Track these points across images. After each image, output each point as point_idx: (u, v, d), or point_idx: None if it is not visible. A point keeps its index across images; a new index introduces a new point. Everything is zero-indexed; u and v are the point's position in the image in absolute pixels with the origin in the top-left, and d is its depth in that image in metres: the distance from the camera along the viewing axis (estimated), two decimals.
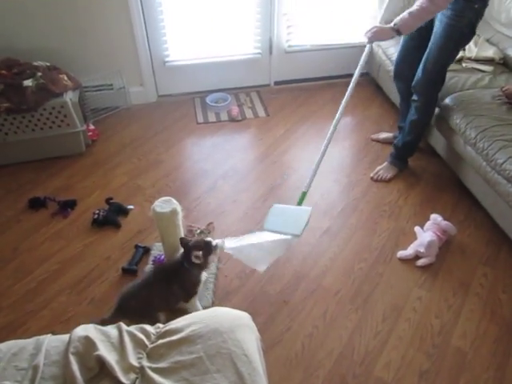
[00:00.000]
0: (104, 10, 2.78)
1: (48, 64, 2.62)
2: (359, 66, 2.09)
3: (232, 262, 2.04)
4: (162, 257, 1.96)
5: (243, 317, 1.27)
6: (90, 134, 2.78)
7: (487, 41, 2.76)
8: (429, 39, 2.16)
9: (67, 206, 2.32)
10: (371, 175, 2.57)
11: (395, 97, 3.01)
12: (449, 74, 2.50)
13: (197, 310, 1.74)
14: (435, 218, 2.15)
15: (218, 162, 2.69)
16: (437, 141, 2.56)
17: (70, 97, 2.56)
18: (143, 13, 2.87)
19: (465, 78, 2.51)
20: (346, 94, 2.07)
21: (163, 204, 1.71)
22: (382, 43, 3.00)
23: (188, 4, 2.92)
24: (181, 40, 3.08)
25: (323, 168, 2.60)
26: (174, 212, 1.70)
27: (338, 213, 2.33)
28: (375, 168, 2.59)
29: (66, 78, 2.60)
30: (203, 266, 1.69)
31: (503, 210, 2.06)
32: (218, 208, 2.35)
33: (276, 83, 3.45)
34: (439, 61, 2.18)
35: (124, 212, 2.31)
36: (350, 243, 2.16)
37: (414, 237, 2.15)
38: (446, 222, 2.12)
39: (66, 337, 1.19)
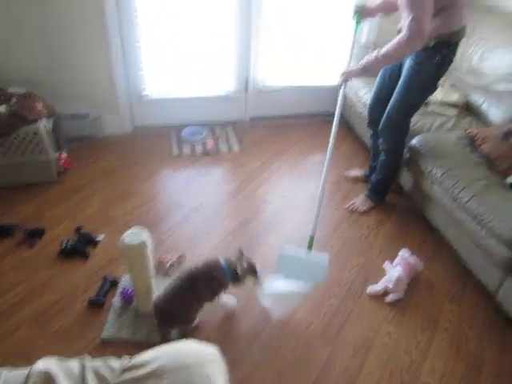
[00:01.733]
0: (84, 40, 2.81)
1: (24, 91, 2.62)
2: (338, 109, 2.16)
3: None
4: (130, 289, 1.92)
5: (212, 352, 1.25)
6: (63, 162, 2.75)
7: (452, 86, 2.92)
8: (395, 87, 2.27)
9: (35, 234, 2.26)
10: (347, 206, 2.64)
11: (366, 136, 3.12)
12: (416, 117, 2.63)
13: (223, 303, 1.89)
14: (403, 253, 2.20)
15: (192, 194, 2.69)
16: (405, 179, 2.65)
17: (44, 124, 2.54)
18: (122, 46, 2.92)
19: (431, 121, 2.64)
20: (332, 137, 2.14)
21: (133, 235, 1.69)
22: (354, 85, 3.13)
23: (167, 40, 2.99)
24: (158, 74, 3.13)
25: (295, 202, 2.67)
26: (143, 244, 1.68)
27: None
28: (346, 203, 2.65)
29: (41, 105, 2.59)
30: (240, 282, 1.77)
31: (468, 246, 2.13)
32: (189, 240, 2.34)
33: (251, 119, 3.53)
34: (402, 110, 2.29)
35: (93, 242, 2.26)
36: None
37: (383, 272, 2.18)
38: (413, 258, 2.17)
39: (25, 371, 1.14)
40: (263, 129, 3.44)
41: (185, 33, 2.99)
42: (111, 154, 3.02)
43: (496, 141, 2.26)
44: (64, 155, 2.79)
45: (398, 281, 2.06)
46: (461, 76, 2.95)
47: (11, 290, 1.99)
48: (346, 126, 3.44)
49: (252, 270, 1.77)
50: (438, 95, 2.80)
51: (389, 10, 2.27)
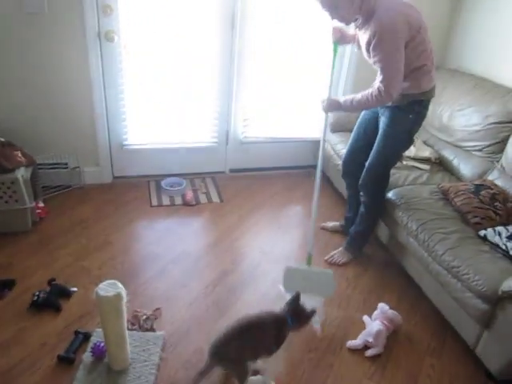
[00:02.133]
0: (67, 90, 2.86)
1: (2, 140, 2.61)
2: (322, 140, 2.33)
3: (178, 350, 1.96)
4: (102, 344, 1.84)
5: None
6: (39, 211, 2.71)
7: (424, 142, 3.05)
8: (374, 140, 2.36)
9: (5, 285, 2.18)
10: (326, 258, 2.64)
11: (343, 188, 3.18)
12: (391, 171, 2.71)
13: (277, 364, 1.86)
14: (382, 307, 2.19)
15: (170, 245, 2.66)
16: (382, 231, 2.69)
17: (21, 173, 2.52)
18: (105, 97, 2.98)
19: (405, 175, 2.72)
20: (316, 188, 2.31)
21: (108, 287, 1.64)
22: (331, 139, 3.23)
23: (150, 91, 3.07)
24: (140, 125, 3.19)
25: (274, 255, 2.66)
26: (118, 296, 1.63)
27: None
28: (326, 254, 2.66)
29: (20, 154, 2.59)
30: (300, 328, 1.80)
31: (445, 299, 2.14)
32: (166, 293, 2.29)
33: (231, 171, 3.58)
34: (381, 164, 2.38)
35: (67, 294, 2.19)
36: (299, 333, 2.12)
37: (363, 326, 2.16)
38: (392, 311, 2.16)
39: None
40: (243, 180, 3.49)
41: (168, 84, 3.07)
42: (89, 203, 2.99)
43: (467, 195, 2.34)
44: (41, 204, 2.75)
45: (378, 335, 2.04)
46: (433, 133, 3.09)
47: None
48: (324, 178, 3.50)
49: (314, 310, 1.81)
50: (411, 150, 2.92)
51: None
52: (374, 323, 2.11)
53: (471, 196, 2.33)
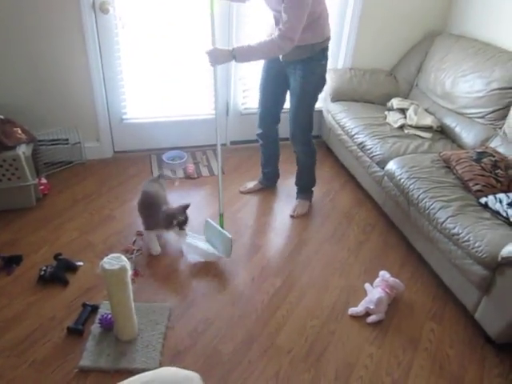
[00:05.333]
0: (64, 65, 2.83)
1: (2, 117, 2.60)
2: (215, 91, 2.36)
3: (184, 319, 2.01)
4: (109, 315, 1.89)
5: (192, 377, 1.24)
6: (42, 187, 2.72)
7: (426, 110, 3.02)
8: (284, 93, 2.52)
9: (12, 261, 2.22)
10: (291, 213, 2.79)
11: (344, 158, 3.18)
12: (392, 140, 2.72)
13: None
14: (384, 274, 2.22)
15: None
16: (384, 201, 2.70)
17: (22, 150, 2.52)
18: (103, 70, 2.95)
19: (407, 144, 2.71)
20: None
21: (112, 261, 1.68)
22: (331, 109, 3.21)
23: (147, 64, 3.03)
24: (139, 98, 3.16)
25: (275, 225, 2.68)
26: (122, 269, 1.67)
27: (290, 270, 2.36)
28: (325, 225, 2.70)
29: (20, 131, 2.58)
30: (169, 227, 2.26)
31: (446, 266, 2.17)
32: (170, 265, 2.32)
33: (232, 143, 3.56)
34: (305, 113, 2.49)
35: (73, 268, 2.23)
36: (302, 301, 2.17)
37: (364, 294, 2.20)
38: (393, 279, 2.19)
39: None
40: (244, 152, 3.48)
41: (165, 55, 3.03)
42: (91, 178, 3.01)
43: (469, 163, 2.33)
44: (43, 180, 2.77)
45: (379, 302, 2.08)
46: (435, 100, 3.06)
47: None
48: (325, 149, 3.50)
49: (182, 223, 2.23)
50: (413, 119, 2.89)
51: None
52: (376, 290, 2.15)
53: (473, 164, 2.32)
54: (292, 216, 2.76)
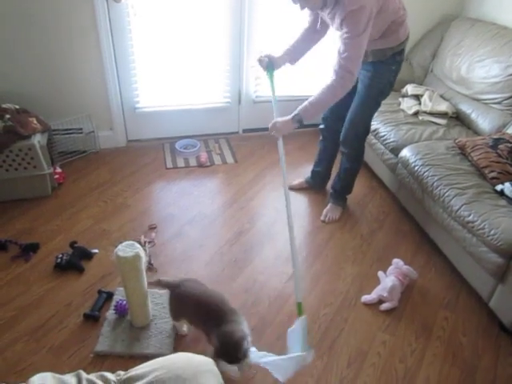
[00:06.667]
0: (77, 55, 2.84)
1: (17, 107, 2.63)
2: (281, 161, 2.04)
3: None
4: (124, 302, 1.92)
5: (207, 363, 1.25)
6: (57, 176, 2.76)
7: (441, 96, 2.97)
8: (352, 93, 2.32)
9: (29, 249, 2.26)
10: (322, 219, 2.65)
11: (368, 157, 3.14)
12: (406, 126, 2.68)
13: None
14: (397, 262, 2.21)
15: (186, 207, 2.70)
16: (398, 189, 2.68)
17: (38, 139, 2.55)
18: (115, 59, 2.95)
19: (421, 130, 2.68)
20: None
21: (126, 248, 1.70)
22: None
23: (160, 53, 3.02)
24: (152, 87, 3.16)
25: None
26: (136, 256, 1.69)
27: (303, 258, 2.36)
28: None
29: (35, 120, 2.61)
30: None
31: (460, 254, 2.15)
32: (184, 253, 2.35)
33: (244, 131, 3.56)
34: (364, 117, 2.37)
35: (88, 256, 2.26)
36: (315, 288, 2.18)
37: (377, 281, 2.20)
38: (407, 267, 2.18)
39: None
40: (256, 140, 3.47)
41: (178, 44, 3.02)
42: (105, 167, 3.03)
43: (485, 149, 2.30)
44: (58, 170, 2.80)
45: (392, 289, 2.08)
46: (450, 86, 3.00)
47: (6, 304, 1.99)
48: None
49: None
50: (427, 105, 2.85)
51: (299, 53, 2.31)
52: (389, 278, 2.14)
53: (489, 150, 2.28)
54: (323, 221, 2.63)
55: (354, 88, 2.30)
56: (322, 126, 2.64)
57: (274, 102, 2.15)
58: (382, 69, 2.20)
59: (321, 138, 2.71)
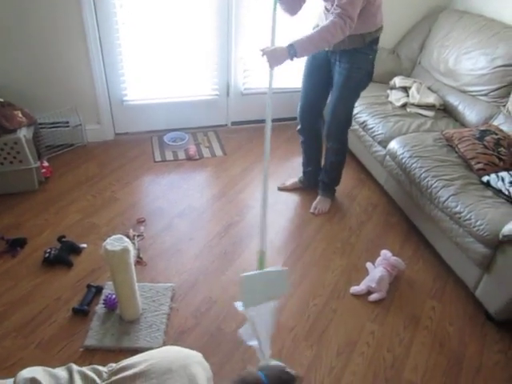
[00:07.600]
0: (62, 47, 2.80)
1: (2, 100, 2.59)
2: (268, 98, 1.94)
3: (187, 299, 2.03)
4: (114, 296, 1.91)
5: (195, 355, 1.26)
6: (44, 171, 2.73)
7: (428, 88, 2.99)
8: (328, 87, 2.37)
9: (16, 244, 2.24)
10: (311, 211, 2.66)
11: (356, 150, 3.16)
12: (394, 119, 2.70)
13: None
14: (385, 253, 2.24)
15: (175, 200, 2.70)
16: (386, 180, 2.70)
17: (23, 133, 2.52)
18: (102, 52, 2.92)
19: (409, 122, 2.69)
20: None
21: (115, 242, 1.69)
22: None
23: (147, 45, 2.99)
24: (139, 80, 3.13)
25: (277, 207, 2.69)
26: (125, 250, 1.68)
27: (292, 250, 2.37)
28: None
29: (20, 114, 2.57)
30: None
31: (447, 245, 2.18)
32: (173, 246, 2.34)
33: (233, 123, 3.55)
34: (345, 109, 2.37)
35: (77, 251, 2.25)
36: (304, 280, 2.20)
37: (366, 272, 2.22)
38: (395, 258, 2.21)
39: (10, 381, 1.13)
40: (245, 133, 3.46)
41: (166, 36, 2.99)
42: (93, 161, 3.01)
43: (472, 141, 2.32)
44: (45, 164, 2.77)
45: (381, 280, 2.10)
46: (438, 78, 3.02)
47: None
48: None
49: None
50: (415, 97, 2.87)
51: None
52: (377, 269, 2.16)
53: (475, 142, 2.31)
54: (313, 213, 2.64)
55: (331, 81, 2.33)
56: (299, 127, 2.63)
57: (273, 23, 1.89)
58: (360, 58, 2.19)
59: (301, 139, 2.69)
